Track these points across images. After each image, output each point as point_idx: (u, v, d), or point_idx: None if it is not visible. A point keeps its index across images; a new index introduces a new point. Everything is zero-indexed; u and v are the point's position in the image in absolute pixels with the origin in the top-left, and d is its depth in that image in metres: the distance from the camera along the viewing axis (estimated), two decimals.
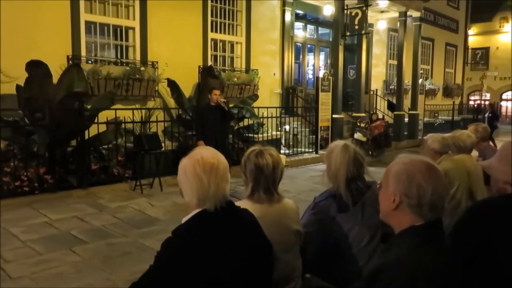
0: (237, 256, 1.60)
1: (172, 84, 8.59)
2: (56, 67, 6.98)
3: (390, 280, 1.28)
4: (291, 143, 10.53)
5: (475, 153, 4.44)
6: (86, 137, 6.79)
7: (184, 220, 1.64)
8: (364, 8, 11.38)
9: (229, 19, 10.57)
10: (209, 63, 9.86)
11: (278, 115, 10.28)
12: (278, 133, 10.31)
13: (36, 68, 6.16)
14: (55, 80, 6.66)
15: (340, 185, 2.24)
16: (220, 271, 1.54)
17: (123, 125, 7.43)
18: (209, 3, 9.95)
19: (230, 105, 8.05)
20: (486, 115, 15.60)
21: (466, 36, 22.48)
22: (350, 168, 2.24)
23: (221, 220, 1.61)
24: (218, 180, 1.59)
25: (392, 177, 1.42)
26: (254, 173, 2.02)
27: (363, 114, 12.37)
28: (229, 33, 10.62)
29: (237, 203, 1.94)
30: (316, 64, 13.94)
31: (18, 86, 6.39)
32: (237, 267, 1.59)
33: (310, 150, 10.68)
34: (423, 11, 14.80)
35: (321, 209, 2.30)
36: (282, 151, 9.88)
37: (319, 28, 13.96)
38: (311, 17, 13.34)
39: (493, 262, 1.54)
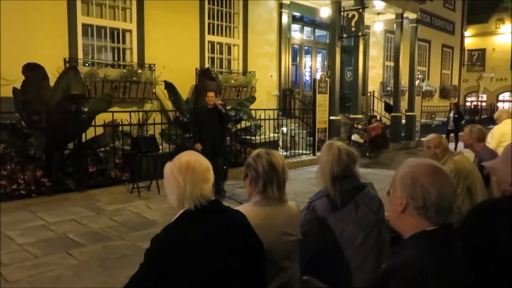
0: (222, 253, 1.63)
1: (169, 87, 8.59)
2: (53, 70, 6.96)
3: (400, 282, 1.28)
4: (288, 145, 10.54)
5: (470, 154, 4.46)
6: (83, 139, 6.78)
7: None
8: (360, 10, 11.42)
9: (226, 21, 10.57)
10: (206, 65, 9.86)
11: (275, 117, 10.29)
12: (276, 135, 10.32)
13: (33, 71, 6.15)
14: (52, 83, 6.64)
15: (327, 184, 2.26)
16: (203, 268, 1.57)
17: (120, 127, 7.42)
18: (206, 5, 9.96)
19: (228, 107, 8.05)
20: (451, 115, 14.12)
21: (462, 37, 22.56)
22: (334, 166, 2.25)
23: (204, 219, 1.66)
24: (194, 180, 1.65)
25: (399, 181, 1.44)
26: (267, 168, 2.00)
27: (361, 116, 12.40)
28: (226, 35, 10.62)
29: (239, 207, 1.94)
30: (313, 66, 13.96)
31: (14, 89, 6.38)
32: (222, 265, 1.62)
33: (308, 152, 10.69)
34: (419, 13, 14.84)
35: (315, 208, 2.32)
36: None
37: (316, 30, 13.98)
38: (308, 19, 13.37)
39: (498, 263, 1.54)
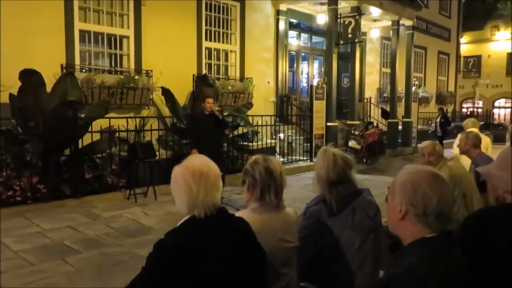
0: (224, 258, 1.62)
1: (166, 93, 8.59)
2: (50, 76, 6.95)
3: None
4: (285, 151, 10.54)
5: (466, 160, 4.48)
6: (80, 146, 6.75)
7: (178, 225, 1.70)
8: (357, 17, 11.48)
9: (223, 28, 10.61)
10: (204, 71, 9.88)
11: (272, 123, 10.31)
12: (273, 141, 10.33)
13: (30, 77, 6.14)
14: (48, 89, 6.63)
15: (323, 189, 2.26)
16: (205, 272, 1.57)
17: (117, 133, 7.41)
18: (203, 12, 10.00)
19: (225, 114, 8.06)
20: (438, 120, 14.06)
21: (458, 44, 22.71)
22: (330, 172, 2.25)
23: (209, 226, 1.64)
24: (207, 188, 1.63)
25: (398, 187, 1.43)
26: (264, 174, 1.99)
27: (357, 122, 12.43)
28: (223, 42, 10.65)
29: (238, 213, 1.94)
30: (310, 72, 14.00)
31: (11, 95, 6.36)
32: (223, 270, 1.61)
33: (305, 158, 10.69)
34: (415, 19, 14.93)
35: (312, 214, 2.32)
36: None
37: (313, 36, 14.05)
38: (304, 26, 13.43)
39: (496, 269, 1.54)
